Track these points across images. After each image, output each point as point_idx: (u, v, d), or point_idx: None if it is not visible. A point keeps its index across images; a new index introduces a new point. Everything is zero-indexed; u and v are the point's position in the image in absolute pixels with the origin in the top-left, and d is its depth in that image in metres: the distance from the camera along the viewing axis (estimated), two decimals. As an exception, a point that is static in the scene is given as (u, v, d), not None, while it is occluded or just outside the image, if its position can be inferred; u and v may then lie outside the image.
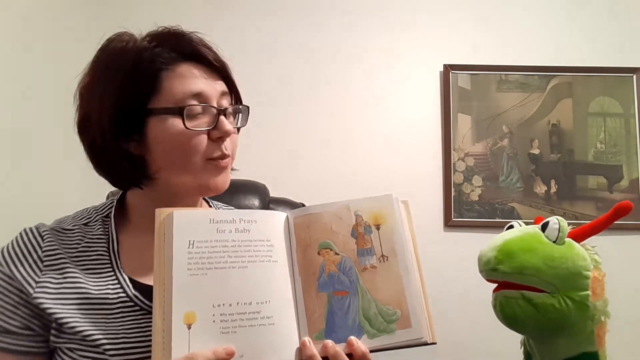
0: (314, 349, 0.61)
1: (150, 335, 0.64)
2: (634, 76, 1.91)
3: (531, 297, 0.67)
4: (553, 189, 1.88)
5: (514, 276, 0.67)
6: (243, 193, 1.17)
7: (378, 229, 0.67)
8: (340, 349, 0.61)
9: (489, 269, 0.70)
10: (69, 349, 0.65)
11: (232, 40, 1.94)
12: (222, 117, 0.71)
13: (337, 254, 0.66)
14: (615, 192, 1.87)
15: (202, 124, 0.70)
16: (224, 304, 0.61)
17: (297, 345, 0.62)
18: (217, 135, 0.71)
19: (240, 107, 0.78)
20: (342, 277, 0.65)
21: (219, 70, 0.74)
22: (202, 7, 1.96)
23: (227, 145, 0.73)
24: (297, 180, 1.85)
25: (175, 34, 0.74)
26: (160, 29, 0.74)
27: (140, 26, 0.75)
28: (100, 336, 0.64)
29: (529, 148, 1.90)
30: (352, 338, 0.61)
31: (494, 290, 0.73)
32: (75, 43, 1.73)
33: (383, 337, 0.62)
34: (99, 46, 0.74)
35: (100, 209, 0.78)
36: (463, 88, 1.93)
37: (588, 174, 1.89)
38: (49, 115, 1.59)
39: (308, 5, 1.98)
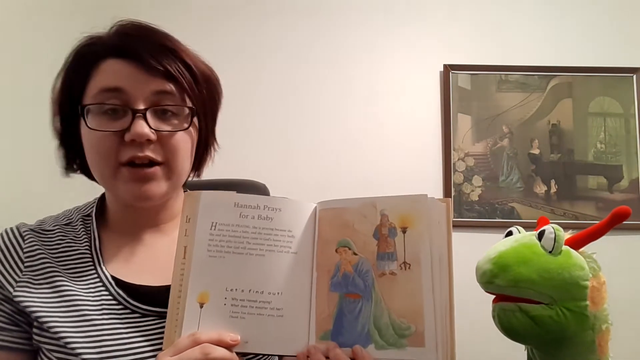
0: (320, 355, 0.59)
1: (130, 339, 0.64)
2: (634, 76, 1.91)
3: (528, 309, 0.66)
4: (553, 189, 1.88)
5: (510, 289, 0.67)
6: (243, 193, 1.16)
7: (404, 232, 0.61)
8: (342, 351, 0.58)
9: (485, 282, 0.69)
10: (49, 350, 0.64)
11: (231, 41, 1.94)
12: (136, 119, 0.64)
13: (355, 254, 0.62)
14: (615, 192, 1.86)
15: (114, 125, 0.65)
16: (236, 289, 0.61)
17: (304, 341, 0.62)
18: (129, 138, 0.64)
19: (172, 107, 0.68)
20: (357, 279, 0.61)
21: (154, 67, 0.66)
22: (198, 10, 1.96)
23: (153, 150, 0.66)
24: (297, 180, 1.85)
25: (117, 27, 0.70)
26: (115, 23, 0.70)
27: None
28: (79, 340, 0.62)
29: (529, 148, 1.90)
30: (358, 347, 0.59)
31: (494, 301, 0.72)
32: (73, 42, 1.72)
33: (391, 350, 0.58)
34: None
35: (83, 209, 0.77)
36: (463, 88, 1.92)
37: (588, 174, 1.88)
38: (48, 115, 1.58)
39: (307, 6, 1.97)
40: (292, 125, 1.93)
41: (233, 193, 0.64)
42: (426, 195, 0.62)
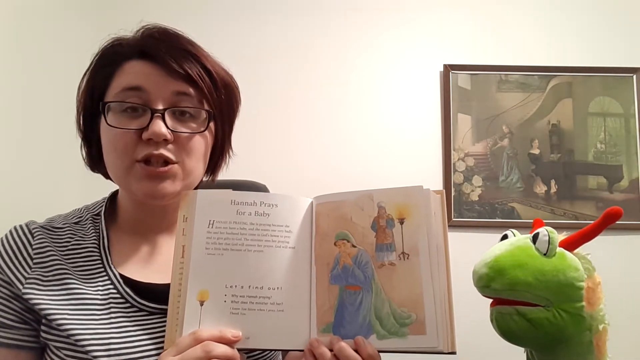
0: (323, 347, 0.59)
1: (137, 336, 0.65)
2: (634, 76, 1.91)
3: (525, 312, 0.66)
4: (553, 189, 1.88)
5: (507, 293, 0.67)
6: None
7: (402, 223, 0.62)
8: (346, 344, 0.59)
9: (482, 286, 0.69)
10: (57, 348, 0.65)
11: (232, 41, 1.94)
12: (154, 118, 0.66)
13: (354, 246, 0.63)
14: (615, 192, 1.87)
15: (133, 123, 0.67)
16: (236, 286, 0.61)
17: (306, 335, 0.62)
18: (146, 137, 0.66)
19: (190, 109, 0.69)
20: (356, 271, 0.62)
21: (175, 70, 0.68)
22: (202, 9, 1.96)
23: (169, 150, 0.67)
24: (297, 180, 1.85)
25: (142, 30, 0.72)
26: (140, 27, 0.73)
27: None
28: (87, 336, 0.63)
29: (529, 148, 1.90)
30: (360, 338, 0.59)
31: (491, 305, 0.72)
32: (74, 43, 1.73)
33: (393, 340, 0.59)
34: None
35: (92, 207, 0.78)
36: (463, 88, 1.93)
37: (588, 174, 1.88)
38: (48, 115, 1.58)
39: (308, 6, 1.98)
40: (292, 126, 1.93)
41: (229, 191, 0.65)
42: (421, 186, 0.63)
